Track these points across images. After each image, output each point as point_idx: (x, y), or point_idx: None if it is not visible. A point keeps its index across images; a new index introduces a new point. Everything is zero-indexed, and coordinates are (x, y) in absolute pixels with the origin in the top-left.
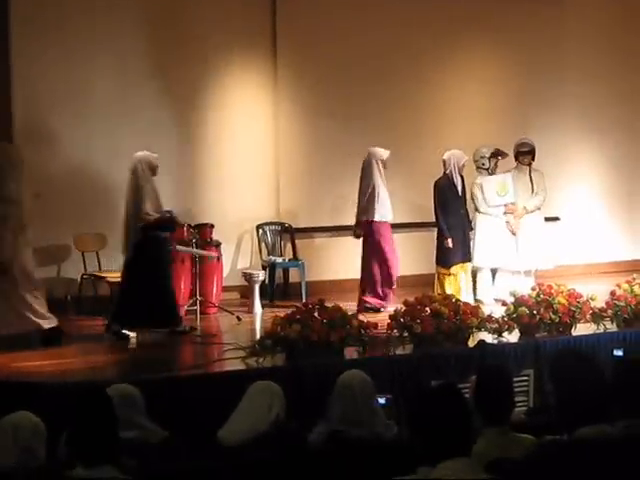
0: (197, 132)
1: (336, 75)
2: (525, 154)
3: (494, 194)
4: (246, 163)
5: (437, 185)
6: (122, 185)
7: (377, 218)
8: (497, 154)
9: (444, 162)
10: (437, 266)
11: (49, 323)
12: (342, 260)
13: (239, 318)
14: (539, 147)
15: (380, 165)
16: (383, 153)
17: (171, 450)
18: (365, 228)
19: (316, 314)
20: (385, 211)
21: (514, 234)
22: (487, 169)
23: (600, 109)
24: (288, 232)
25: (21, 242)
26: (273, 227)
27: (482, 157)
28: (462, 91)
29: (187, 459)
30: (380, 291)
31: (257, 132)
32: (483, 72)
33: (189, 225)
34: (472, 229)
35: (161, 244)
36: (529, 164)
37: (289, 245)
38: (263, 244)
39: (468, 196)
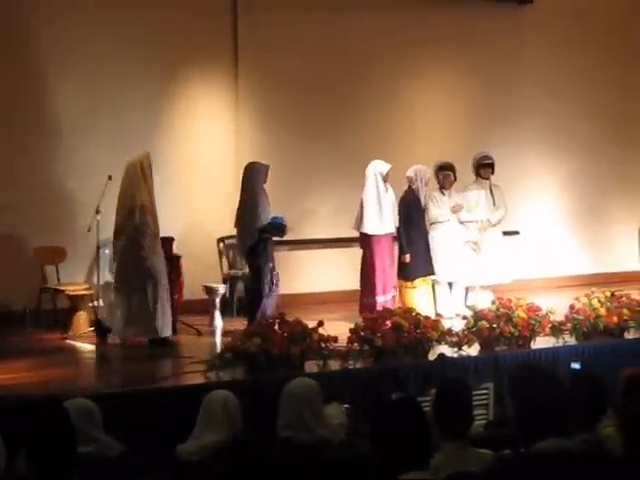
0: (158, 146)
1: (300, 89)
2: (486, 167)
3: (464, 211)
4: (207, 176)
5: (403, 200)
6: (82, 198)
7: (366, 231)
8: (443, 168)
9: (409, 178)
10: (399, 279)
11: None
12: (304, 274)
13: (199, 332)
14: (498, 161)
15: (379, 178)
16: (383, 167)
17: (129, 465)
18: (359, 240)
19: (277, 327)
20: (375, 224)
21: (476, 249)
22: (443, 186)
23: (560, 124)
24: None
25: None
26: (234, 240)
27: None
28: (425, 106)
29: (145, 474)
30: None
31: (218, 145)
32: (446, 87)
33: None
34: None
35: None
36: (488, 178)
37: None
38: (224, 258)
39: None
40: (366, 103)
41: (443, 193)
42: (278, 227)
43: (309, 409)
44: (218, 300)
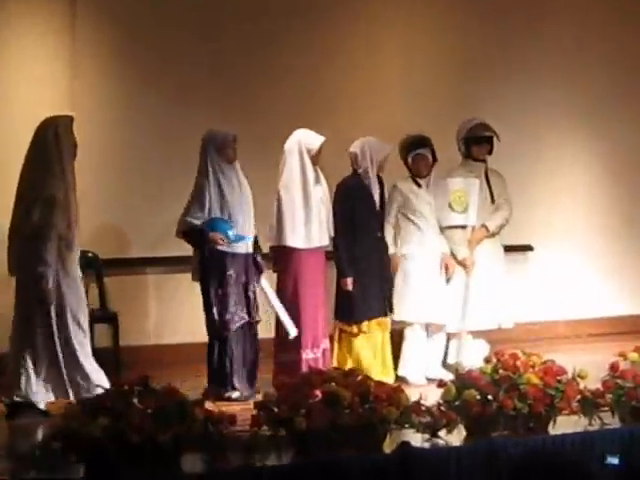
0: None
1: (172, 18)
2: (481, 143)
3: (445, 208)
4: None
5: (340, 189)
6: None
7: (287, 243)
8: (415, 145)
9: (352, 157)
10: (336, 321)
11: None
12: (181, 312)
13: (8, 405)
14: (499, 135)
15: (306, 158)
16: (312, 140)
17: None
18: (273, 258)
19: (136, 400)
20: (299, 232)
21: (465, 272)
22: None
23: (597, 81)
24: (92, 267)
25: None
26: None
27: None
28: (385, 52)
29: None
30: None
31: (45, 100)
32: (420, 23)
33: None
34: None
35: None
36: (484, 159)
37: (94, 287)
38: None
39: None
40: (285, 42)
41: (417, 183)
42: (201, 233)
43: None
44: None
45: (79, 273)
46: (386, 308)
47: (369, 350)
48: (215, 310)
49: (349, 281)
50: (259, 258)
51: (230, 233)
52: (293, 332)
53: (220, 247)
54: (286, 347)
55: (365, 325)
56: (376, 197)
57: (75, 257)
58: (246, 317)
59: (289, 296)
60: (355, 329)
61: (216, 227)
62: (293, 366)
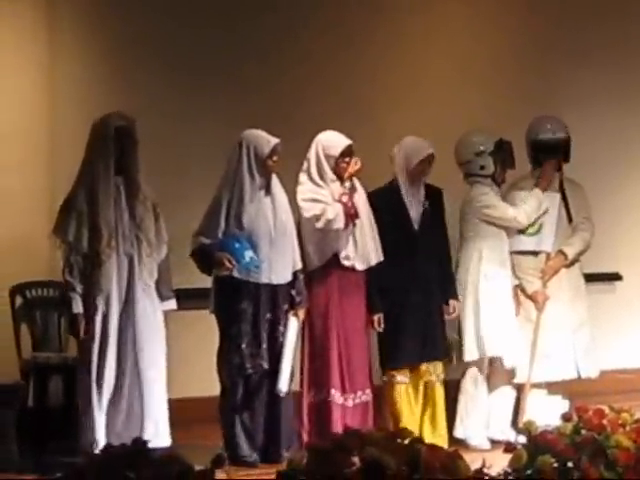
0: None
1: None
2: (552, 150)
3: (513, 229)
4: None
5: (373, 206)
6: None
7: (315, 262)
8: (503, 147)
9: (392, 160)
10: (383, 368)
11: None
12: (198, 364)
13: None
14: (575, 137)
15: (325, 166)
16: (337, 143)
17: None
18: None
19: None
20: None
21: (538, 309)
22: (489, 175)
23: None
24: None
25: None
26: (44, 292)
27: (478, 152)
28: (427, 42)
29: None
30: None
31: (17, 92)
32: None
33: None
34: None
35: None
36: (559, 169)
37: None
38: (25, 326)
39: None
40: (308, 40)
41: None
42: (209, 255)
43: None
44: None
45: None
46: (435, 351)
47: (407, 405)
48: (225, 352)
49: (376, 318)
50: (294, 292)
51: (247, 255)
52: (284, 388)
53: (226, 272)
54: (315, 382)
55: (403, 371)
56: (415, 213)
57: None
58: (264, 365)
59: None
60: (397, 377)
61: (226, 246)
62: (321, 410)
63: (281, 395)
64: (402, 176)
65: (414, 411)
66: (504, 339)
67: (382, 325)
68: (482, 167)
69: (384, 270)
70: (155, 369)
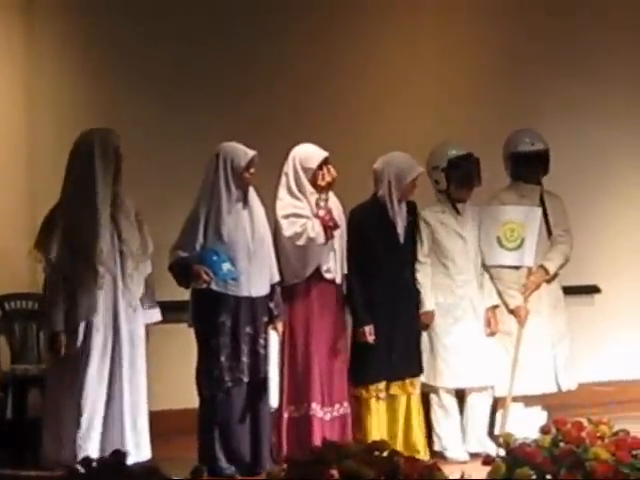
0: None
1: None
2: (533, 162)
3: (493, 243)
4: None
5: (354, 218)
6: None
7: (287, 279)
8: (460, 163)
9: (374, 174)
10: (352, 385)
11: None
12: (178, 376)
13: None
14: (554, 148)
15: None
16: (313, 157)
17: None
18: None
19: None
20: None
21: (519, 323)
22: (443, 191)
23: None
24: None
25: None
26: (23, 304)
27: (434, 167)
28: (413, 55)
29: None
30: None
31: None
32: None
33: None
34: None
35: None
36: (539, 182)
37: None
38: (3, 338)
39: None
40: (293, 54)
41: (456, 209)
42: (187, 268)
43: None
44: None
45: None
46: (411, 366)
47: (394, 415)
48: (204, 365)
49: (367, 330)
50: (272, 305)
51: (224, 267)
52: (275, 404)
53: (203, 285)
54: (293, 397)
55: (379, 387)
56: (400, 228)
57: None
58: (244, 378)
59: (294, 339)
60: (371, 391)
61: (204, 259)
62: (301, 424)
63: (272, 411)
64: (391, 192)
65: (383, 426)
66: (470, 367)
67: (372, 336)
68: (436, 182)
69: (371, 283)
70: (135, 382)
